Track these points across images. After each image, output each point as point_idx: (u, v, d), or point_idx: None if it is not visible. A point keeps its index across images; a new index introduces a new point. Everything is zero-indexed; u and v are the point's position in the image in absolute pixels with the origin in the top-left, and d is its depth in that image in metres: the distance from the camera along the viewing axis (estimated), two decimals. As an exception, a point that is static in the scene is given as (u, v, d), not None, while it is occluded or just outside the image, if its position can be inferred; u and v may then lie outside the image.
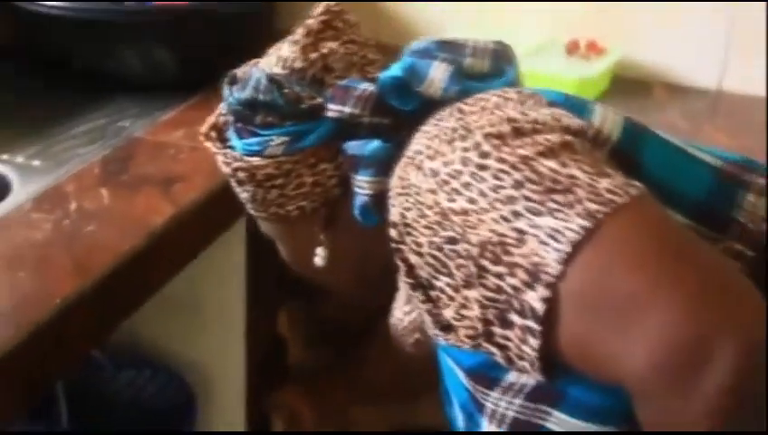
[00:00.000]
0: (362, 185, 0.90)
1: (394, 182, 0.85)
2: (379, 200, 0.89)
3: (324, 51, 0.93)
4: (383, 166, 0.88)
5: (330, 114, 0.91)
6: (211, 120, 0.99)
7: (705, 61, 1.66)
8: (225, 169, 0.97)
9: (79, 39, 1.56)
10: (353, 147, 0.90)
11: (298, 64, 0.93)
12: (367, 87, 0.90)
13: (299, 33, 0.95)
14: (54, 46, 1.60)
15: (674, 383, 0.67)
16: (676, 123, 1.52)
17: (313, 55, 0.93)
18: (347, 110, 0.89)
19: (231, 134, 0.97)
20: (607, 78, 1.65)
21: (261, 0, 1.69)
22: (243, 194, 0.98)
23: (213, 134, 0.99)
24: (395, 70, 0.90)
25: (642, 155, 0.84)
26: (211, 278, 1.44)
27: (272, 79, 0.91)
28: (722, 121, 1.58)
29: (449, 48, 0.92)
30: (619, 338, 0.70)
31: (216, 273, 1.43)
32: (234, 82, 0.96)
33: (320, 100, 0.91)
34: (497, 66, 0.92)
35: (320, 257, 0.98)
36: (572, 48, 1.66)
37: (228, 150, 0.96)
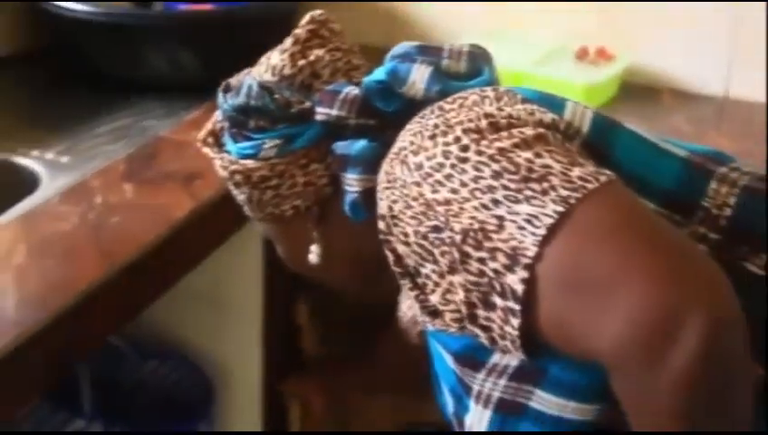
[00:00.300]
0: (351, 183, 0.95)
1: (381, 177, 0.90)
2: (368, 196, 0.94)
3: (311, 58, 0.98)
4: (370, 164, 0.93)
5: (318, 117, 0.96)
6: (208, 126, 1.05)
7: (713, 68, 1.70)
8: (223, 173, 1.02)
9: (106, 42, 1.62)
10: (341, 147, 0.95)
11: (287, 71, 0.98)
12: (352, 90, 0.95)
13: (287, 42, 1.00)
14: (82, 49, 1.66)
15: (645, 357, 0.72)
16: (681, 128, 1.56)
17: (301, 62, 0.98)
18: (334, 112, 0.95)
19: (227, 139, 1.02)
20: (615, 84, 1.69)
21: (281, 0, 1.75)
22: (240, 196, 1.04)
23: (210, 140, 1.04)
24: (378, 74, 0.95)
25: (612, 147, 0.89)
26: (231, 272, 1.49)
27: (263, 86, 0.97)
28: (726, 127, 1.62)
29: (428, 51, 0.97)
30: (594, 316, 0.74)
31: (235, 267, 1.49)
32: (227, 89, 1.02)
33: (308, 104, 0.96)
34: (473, 67, 0.97)
35: (314, 255, 1.03)
36: (582, 54, 1.71)
37: (225, 155, 1.01)
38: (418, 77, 0.94)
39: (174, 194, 1.28)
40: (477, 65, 0.98)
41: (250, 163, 0.98)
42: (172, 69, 1.63)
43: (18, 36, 1.73)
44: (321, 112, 0.95)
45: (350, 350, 1.60)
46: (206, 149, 1.04)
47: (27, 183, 1.31)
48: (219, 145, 1.04)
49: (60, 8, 1.60)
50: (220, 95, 1.01)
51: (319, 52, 0.99)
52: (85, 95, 1.62)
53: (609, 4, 1.72)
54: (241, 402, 1.57)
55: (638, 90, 1.71)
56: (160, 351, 1.56)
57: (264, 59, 1.02)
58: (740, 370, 0.74)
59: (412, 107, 0.93)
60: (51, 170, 1.34)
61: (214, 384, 1.54)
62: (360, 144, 0.94)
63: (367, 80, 0.95)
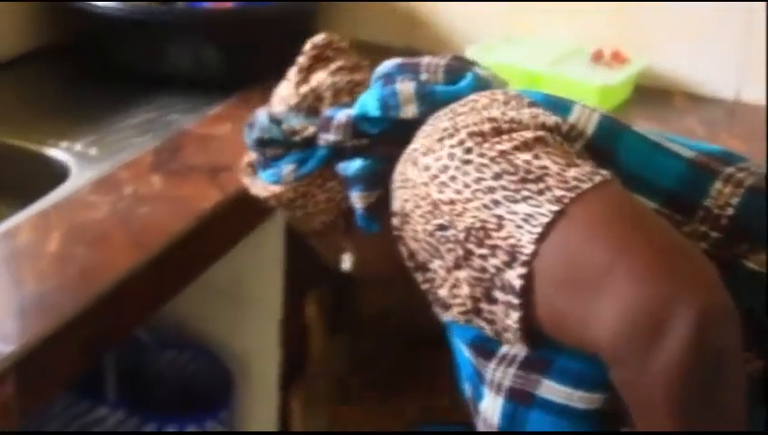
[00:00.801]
0: (355, 200, 1.01)
1: (395, 176, 0.95)
2: (374, 210, 1.01)
3: (313, 84, 1.04)
4: (367, 181, 1.00)
5: (320, 142, 1.02)
6: (246, 158, 1.12)
7: (724, 72, 1.73)
8: (261, 197, 1.09)
9: (130, 38, 1.65)
10: (342, 168, 1.01)
11: (293, 100, 1.04)
12: (343, 115, 1.00)
13: (292, 71, 1.07)
14: (107, 45, 1.69)
15: (637, 348, 0.75)
16: (694, 130, 1.59)
17: (304, 89, 1.04)
18: (331, 138, 1.01)
19: (258, 168, 1.09)
20: (629, 86, 1.72)
21: (301, 0, 1.78)
22: (283, 216, 1.12)
23: (249, 170, 1.11)
24: (370, 107, 1.00)
25: (616, 148, 0.93)
26: (251, 267, 1.52)
27: (271, 118, 1.04)
28: (737, 129, 1.65)
29: (407, 68, 1.03)
30: (589, 310, 0.78)
31: (256, 261, 1.51)
32: (251, 125, 1.08)
33: (312, 129, 1.02)
34: (451, 78, 1.02)
35: (346, 262, 1.09)
36: (597, 57, 1.74)
37: (258, 182, 1.09)
38: (406, 97, 0.99)
39: (200, 186, 1.31)
40: (456, 76, 1.02)
41: (276, 188, 1.06)
42: (195, 65, 1.66)
43: (46, 31, 1.76)
44: (323, 138, 1.02)
45: (357, 349, 1.63)
46: (246, 178, 1.11)
47: (57, 174, 1.34)
48: (256, 173, 1.10)
49: (85, 5, 1.62)
50: (245, 130, 1.08)
51: (320, 75, 1.05)
52: (110, 89, 1.65)
53: (624, 7, 1.75)
54: (259, 395, 1.59)
55: (652, 92, 1.74)
56: (180, 342, 1.59)
57: (276, 91, 1.09)
58: (732, 364, 0.77)
59: (401, 124, 0.98)
60: (80, 162, 1.36)
61: (232, 376, 1.56)
62: (356, 164, 1.00)
63: (356, 113, 1.00)
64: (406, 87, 0.99)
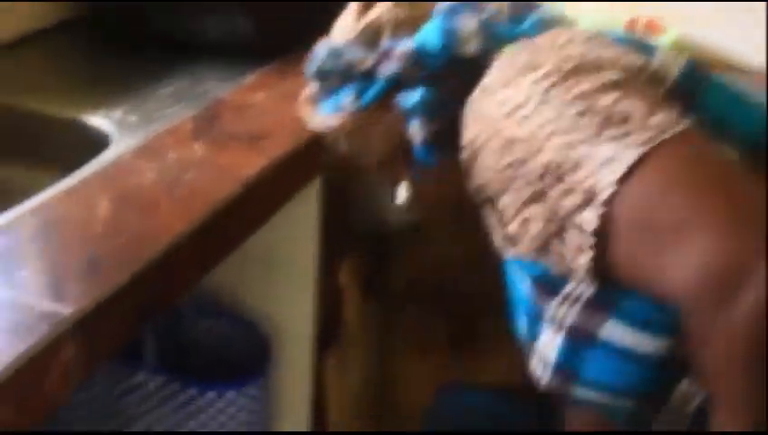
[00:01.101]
0: (414, 132, 1.01)
1: (468, 108, 0.95)
2: (432, 142, 1.01)
3: (372, 17, 1.05)
4: (427, 113, 1.00)
5: (380, 74, 1.02)
6: (306, 91, 1.12)
7: (762, 43, 1.72)
8: (322, 129, 1.09)
9: (163, 6, 1.64)
10: (400, 100, 1.02)
11: (352, 33, 1.05)
12: (403, 47, 1.01)
13: (352, 3, 1.08)
14: (139, 13, 1.68)
15: (712, 300, 0.75)
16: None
17: (363, 22, 1.05)
18: (391, 69, 1.01)
19: (318, 100, 1.10)
20: (663, 55, 1.71)
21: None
22: (343, 149, 1.10)
23: (309, 102, 1.12)
24: (432, 38, 1.00)
25: (700, 95, 0.93)
26: (286, 233, 1.52)
27: (331, 50, 1.05)
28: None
29: (471, 5, 1.02)
30: (664, 258, 0.78)
31: (291, 228, 1.51)
32: (312, 57, 1.09)
33: (372, 61, 1.02)
34: (514, 18, 1.02)
35: (400, 196, 1.09)
36: (631, 26, 1.73)
37: (319, 114, 1.09)
38: (469, 33, 0.99)
39: (242, 153, 1.31)
40: (520, 16, 1.02)
41: (336, 120, 1.05)
42: (228, 34, 1.65)
43: (76, 1, 1.75)
44: (381, 69, 1.02)
45: (392, 316, 1.64)
46: (306, 109, 1.11)
47: (98, 141, 1.34)
48: (316, 106, 1.11)
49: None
50: (306, 62, 1.09)
51: (381, 8, 1.05)
52: (142, 58, 1.64)
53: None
54: (294, 361, 1.60)
55: (686, 62, 1.74)
56: (216, 310, 1.59)
57: (336, 23, 1.09)
58: None
59: (461, 59, 0.98)
60: (120, 129, 1.36)
61: (269, 343, 1.57)
62: (416, 96, 1.00)
63: (417, 45, 1.00)
64: (469, 22, 0.99)
